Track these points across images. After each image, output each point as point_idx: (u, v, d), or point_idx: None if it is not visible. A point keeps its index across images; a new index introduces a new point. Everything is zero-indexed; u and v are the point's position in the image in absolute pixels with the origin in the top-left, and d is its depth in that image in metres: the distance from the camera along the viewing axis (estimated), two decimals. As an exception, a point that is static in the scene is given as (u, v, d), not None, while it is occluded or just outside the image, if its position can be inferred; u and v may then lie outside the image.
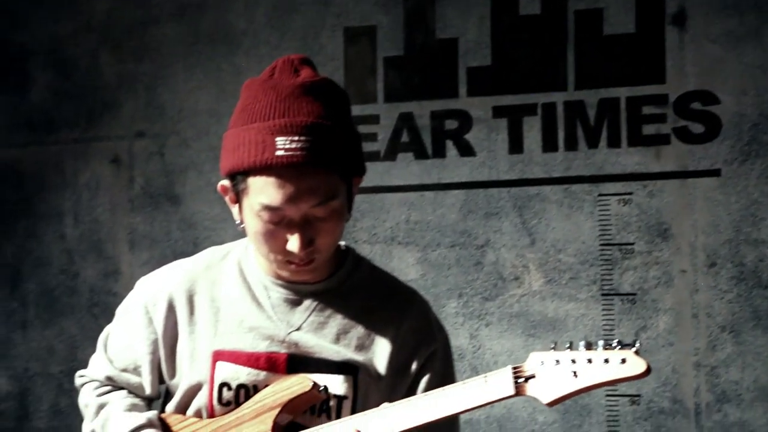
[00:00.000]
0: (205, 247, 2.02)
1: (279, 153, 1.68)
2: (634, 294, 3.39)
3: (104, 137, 3.90)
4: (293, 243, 1.73)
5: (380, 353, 1.86)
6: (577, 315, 3.43)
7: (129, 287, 2.04)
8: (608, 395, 3.37)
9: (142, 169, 3.86)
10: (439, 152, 3.59)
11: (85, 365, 2.11)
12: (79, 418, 2.06)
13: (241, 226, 1.84)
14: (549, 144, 3.50)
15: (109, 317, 2.07)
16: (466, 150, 3.56)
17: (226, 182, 1.82)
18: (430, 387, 1.86)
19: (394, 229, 3.60)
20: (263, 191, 1.71)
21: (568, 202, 3.47)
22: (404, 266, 3.52)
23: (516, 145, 3.53)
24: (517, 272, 3.49)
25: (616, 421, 3.39)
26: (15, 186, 3.99)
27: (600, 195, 3.44)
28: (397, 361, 1.86)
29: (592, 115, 3.45)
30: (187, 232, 3.74)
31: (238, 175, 1.74)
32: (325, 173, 1.72)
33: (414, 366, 1.88)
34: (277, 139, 1.68)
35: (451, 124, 3.58)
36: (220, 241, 2.04)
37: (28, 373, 3.94)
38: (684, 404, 3.35)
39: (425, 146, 3.60)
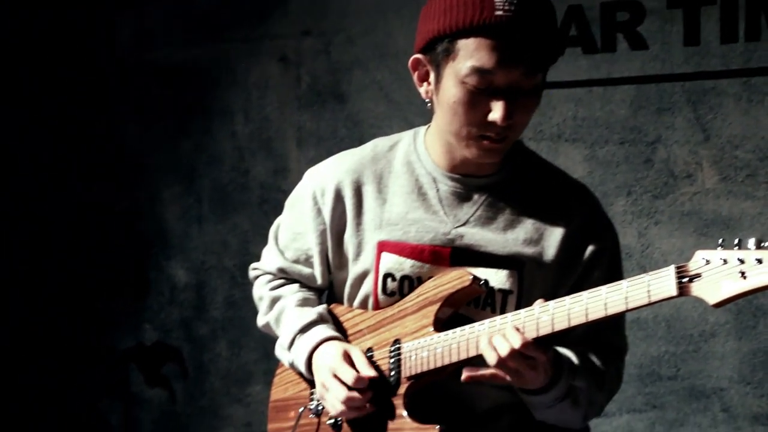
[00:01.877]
0: (371, 146, 2.02)
1: (498, 12, 1.65)
2: (817, 192, 3.23)
3: (272, 36, 3.95)
4: (497, 112, 1.70)
5: (548, 248, 1.85)
6: (754, 214, 3.29)
7: (297, 184, 2.08)
8: (785, 297, 3.25)
9: (308, 67, 3.90)
10: (609, 46, 3.46)
11: (256, 259, 2.18)
12: (251, 310, 2.13)
13: (429, 104, 1.83)
14: (728, 35, 3.31)
15: (278, 213, 2.13)
16: (637, 43, 3.42)
17: (419, 55, 1.80)
18: (595, 286, 1.84)
19: (560, 126, 3.52)
20: (475, 53, 1.68)
21: (747, 96, 3.30)
22: (571, 163, 3.44)
23: (692, 37, 3.36)
24: (689, 169, 3.37)
25: (792, 323, 3.27)
26: (190, 84, 4.10)
27: (783, 88, 3.26)
28: (564, 256, 1.85)
29: (777, 2, 3.25)
30: (353, 130, 3.76)
31: (445, 40, 1.72)
32: (539, 44, 1.69)
33: (581, 262, 1.86)
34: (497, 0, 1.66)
35: (622, 16, 3.44)
36: (385, 139, 2.04)
37: (204, 265, 4.11)
38: None
39: (594, 39, 3.47)
